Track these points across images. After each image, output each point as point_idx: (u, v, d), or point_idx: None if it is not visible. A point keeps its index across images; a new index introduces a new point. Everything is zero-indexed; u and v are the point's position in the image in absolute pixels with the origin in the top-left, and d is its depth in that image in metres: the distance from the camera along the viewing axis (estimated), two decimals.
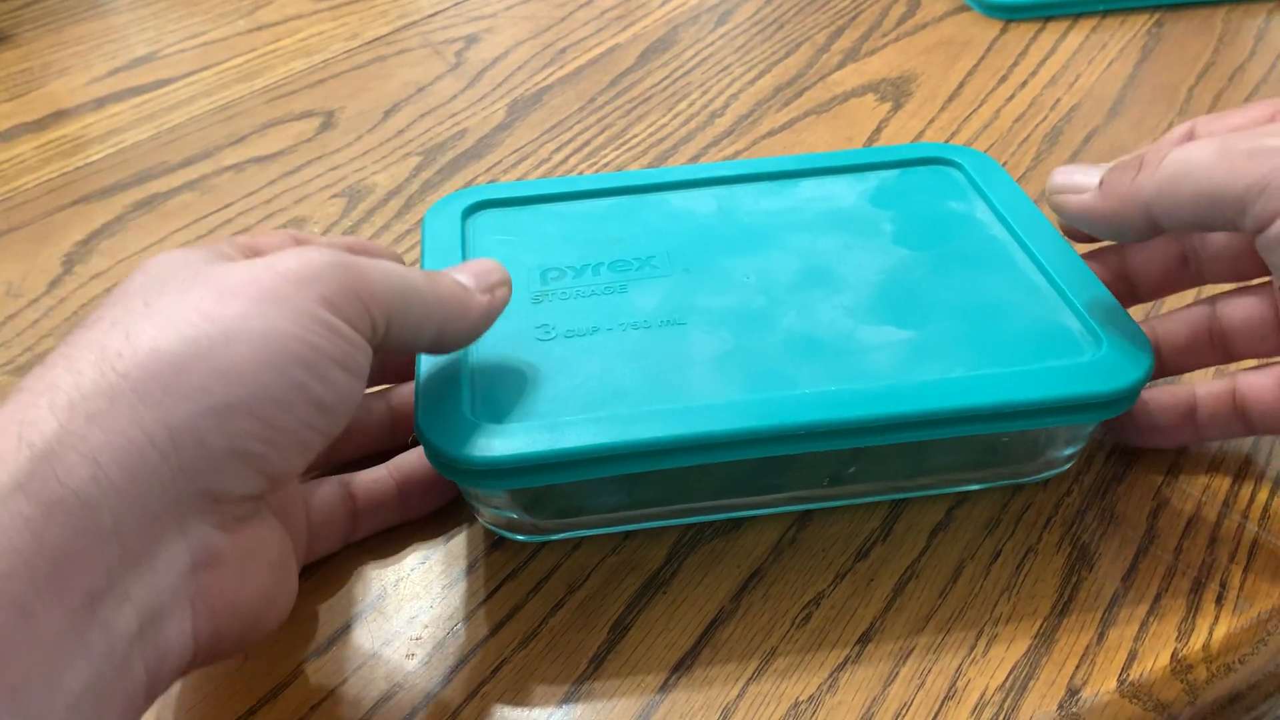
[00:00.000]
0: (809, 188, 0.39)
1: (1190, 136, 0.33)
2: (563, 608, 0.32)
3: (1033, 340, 0.32)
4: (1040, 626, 0.31)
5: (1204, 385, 0.34)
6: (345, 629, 0.31)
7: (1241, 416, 0.33)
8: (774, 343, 0.32)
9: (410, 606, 0.32)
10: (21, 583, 0.19)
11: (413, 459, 0.34)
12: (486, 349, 0.32)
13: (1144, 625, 0.31)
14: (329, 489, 0.33)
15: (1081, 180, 0.31)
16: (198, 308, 0.23)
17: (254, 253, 0.29)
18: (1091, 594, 0.32)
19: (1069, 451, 0.34)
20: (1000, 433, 0.32)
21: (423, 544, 0.34)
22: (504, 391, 0.31)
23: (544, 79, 0.61)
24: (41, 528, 0.20)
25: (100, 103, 0.60)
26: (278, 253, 0.26)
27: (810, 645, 0.30)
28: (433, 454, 0.30)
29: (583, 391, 0.30)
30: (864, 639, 0.31)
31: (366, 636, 0.31)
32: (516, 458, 0.28)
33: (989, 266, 0.35)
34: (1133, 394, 0.30)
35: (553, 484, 0.30)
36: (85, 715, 0.20)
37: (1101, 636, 0.30)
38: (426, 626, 0.31)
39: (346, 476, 0.33)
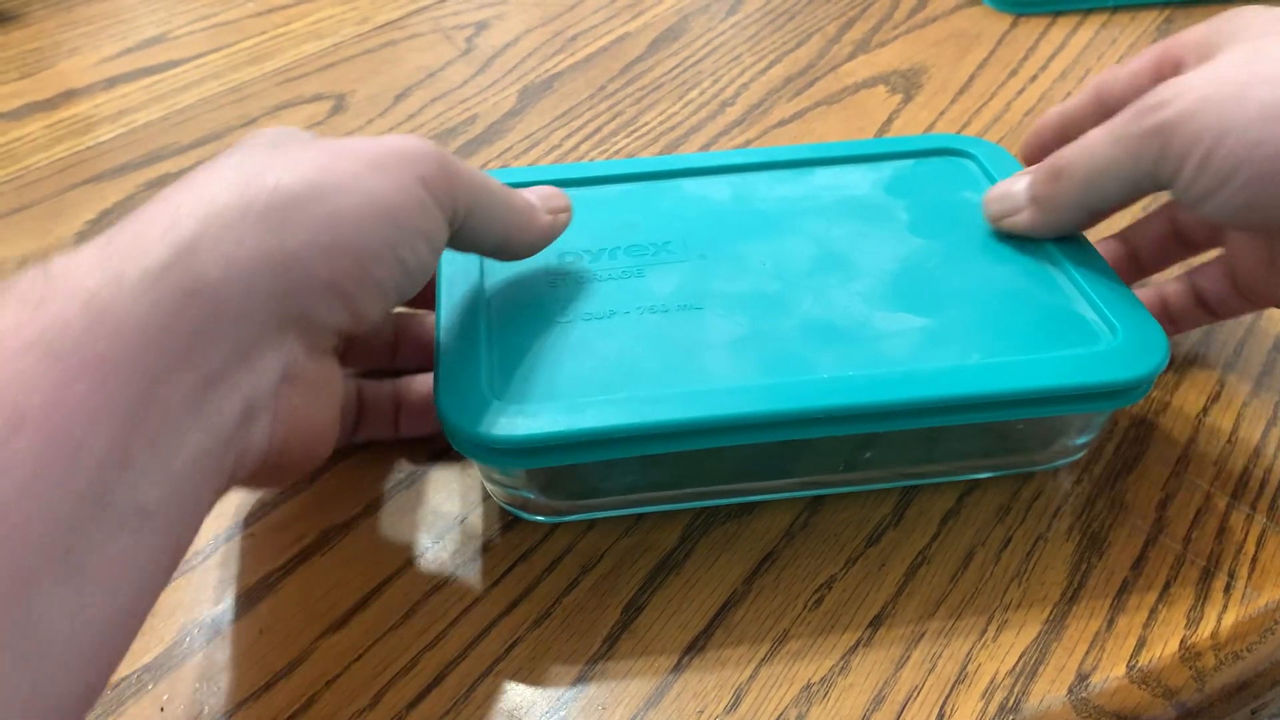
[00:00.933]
0: (824, 176, 0.40)
1: (1097, 100, 0.36)
2: (576, 587, 0.32)
3: (1048, 329, 0.32)
4: (1050, 612, 0.31)
5: (1167, 285, 0.38)
6: (359, 606, 0.32)
7: (1203, 307, 0.37)
8: (790, 328, 0.32)
9: (419, 588, 0.32)
10: (157, 355, 0.22)
11: (415, 384, 0.36)
12: (504, 329, 0.32)
13: (1153, 613, 0.31)
14: (347, 383, 0.34)
15: (1014, 200, 0.35)
16: (316, 161, 0.26)
17: None
18: (1101, 581, 0.32)
19: (1082, 440, 0.34)
20: (1015, 420, 0.32)
21: (436, 522, 0.34)
22: (522, 371, 0.31)
23: (554, 66, 0.61)
24: (179, 310, 0.22)
25: (111, 83, 0.60)
26: (384, 135, 0.29)
27: (822, 628, 0.31)
28: (451, 432, 0.30)
29: (600, 373, 0.31)
30: (875, 622, 0.31)
31: (380, 616, 0.31)
32: (534, 437, 0.29)
33: (1003, 256, 0.35)
34: (1148, 382, 0.30)
35: (569, 464, 0.30)
36: (195, 481, 0.23)
37: (1111, 623, 0.31)
38: (440, 604, 0.32)
39: (357, 379, 0.35)
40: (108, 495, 0.20)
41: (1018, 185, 0.35)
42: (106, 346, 0.21)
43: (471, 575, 0.32)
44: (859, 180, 0.39)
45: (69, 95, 0.59)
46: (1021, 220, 0.35)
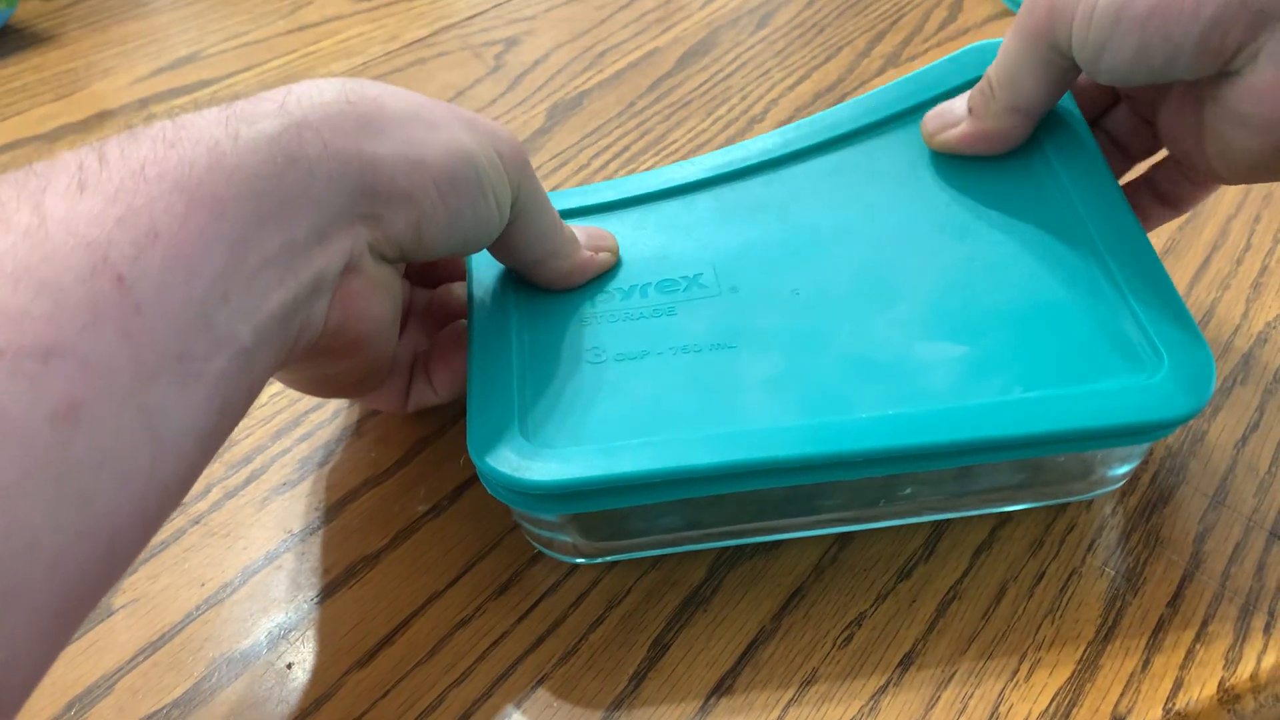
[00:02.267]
0: (858, 157, 0.38)
1: None
2: (602, 623, 0.32)
3: (1092, 354, 0.31)
4: (1084, 651, 0.31)
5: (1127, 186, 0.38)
6: (385, 642, 0.32)
7: (1162, 201, 0.38)
8: (827, 364, 0.31)
9: (446, 623, 0.32)
10: (259, 207, 0.24)
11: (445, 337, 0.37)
12: (536, 370, 0.32)
13: (1190, 653, 0.30)
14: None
15: (952, 115, 0.37)
16: (414, 98, 0.29)
17: None
18: (1136, 619, 0.31)
19: (1123, 470, 0.33)
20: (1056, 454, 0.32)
21: (462, 556, 0.34)
22: (556, 414, 0.30)
23: (583, 83, 0.61)
24: (281, 173, 0.25)
25: (144, 103, 0.61)
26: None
27: (852, 667, 0.30)
28: (484, 475, 0.30)
29: (635, 415, 0.30)
30: (906, 661, 0.31)
31: (406, 651, 0.31)
32: (569, 482, 0.28)
33: (1050, 258, 0.33)
34: (1191, 417, 0.30)
35: (602, 509, 0.30)
36: (272, 333, 0.25)
37: (1147, 663, 0.30)
38: (467, 640, 0.31)
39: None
40: (212, 319, 0.23)
41: (956, 103, 0.37)
42: (223, 189, 0.24)
43: (497, 610, 0.32)
44: (896, 158, 0.37)
45: (103, 116, 0.59)
46: (956, 133, 0.36)
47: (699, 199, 0.38)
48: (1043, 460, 0.33)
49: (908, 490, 0.33)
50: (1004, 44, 0.34)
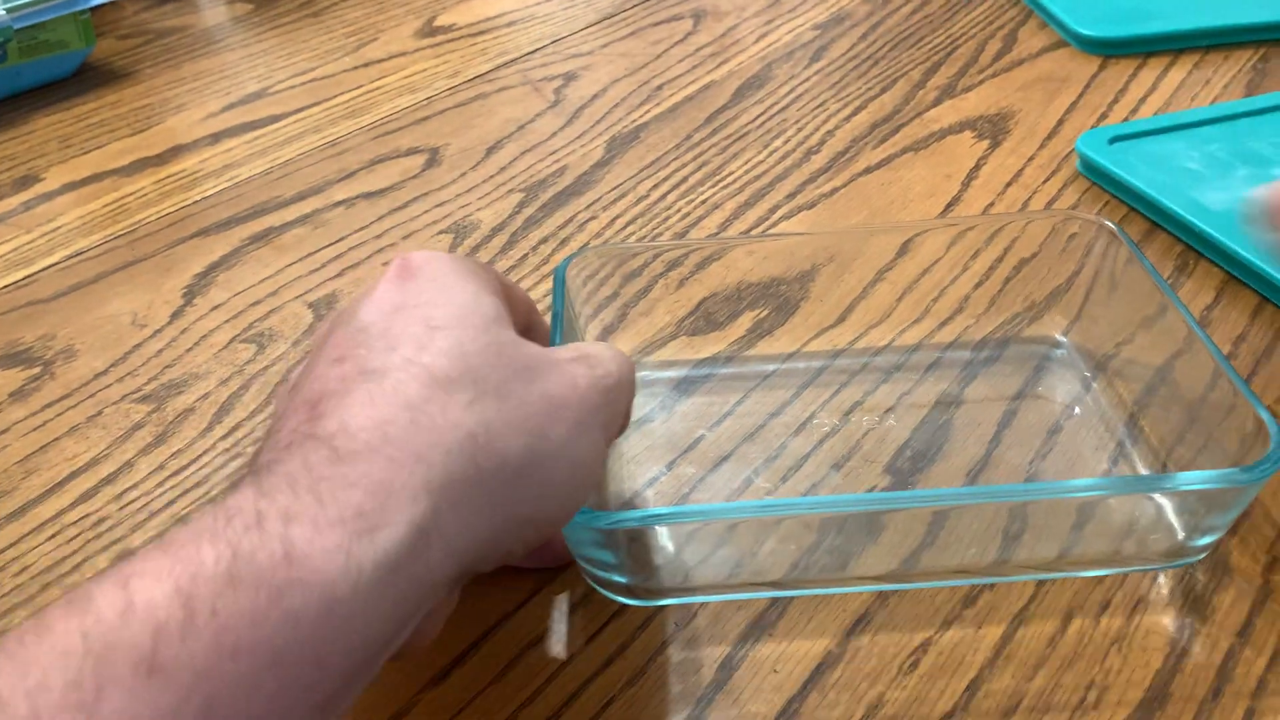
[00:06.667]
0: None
1: None
2: (670, 645, 0.32)
3: None
4: (1153, 680, 0.31)
5: None
6: (455, 665, 0.32)
7: None
8: None
9: (517, 643, 0.33)
10: (370, 648, 0.23)
11: None
12: None
13: (1262, 683, 0.30)
14: None
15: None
16: (536, 424, 0.26)
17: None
18: (1206, 649, 0.31)
19: (1207, 540, 0.33)
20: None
21: (531, 579, 0.35)
22: None
23: (641, 116, 0.62)
24: (403, 601, 0.23)
25: (216, 138, 0.63)
26: (569, 364, 0.28)
27: (919, 692, 0.31)
28: None
29: None
30: (973, 687, 0.31)
31: (479, 671, 0.32)
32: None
33: None
34: None
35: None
36: None
37: (1218, 693, 0.30)
38: (536, 660, 0.32)
39: None
40: None
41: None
42: (329, 648, 0.21)
43: (566, 630, 0.33)
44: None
45: (177, 151, 0.62)
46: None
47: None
48: (1132, 532, 0.33)
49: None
50: None
